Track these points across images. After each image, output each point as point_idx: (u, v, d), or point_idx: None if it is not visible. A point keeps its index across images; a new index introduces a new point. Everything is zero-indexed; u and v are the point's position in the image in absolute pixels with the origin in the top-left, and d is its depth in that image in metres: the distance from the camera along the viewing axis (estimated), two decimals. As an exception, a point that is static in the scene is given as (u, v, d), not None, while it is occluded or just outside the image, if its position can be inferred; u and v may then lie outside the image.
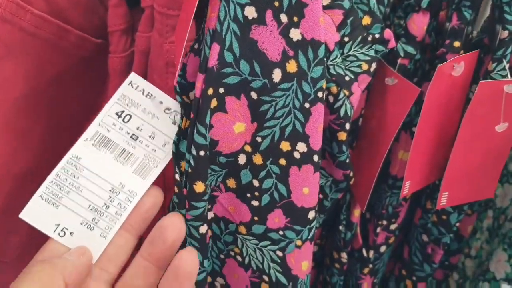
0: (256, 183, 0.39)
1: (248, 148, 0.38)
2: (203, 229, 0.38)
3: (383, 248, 0.53)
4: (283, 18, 0.34)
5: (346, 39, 0.39)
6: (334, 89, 0.40)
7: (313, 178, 0.39)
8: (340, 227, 0.51)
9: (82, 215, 0.36)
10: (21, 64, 0.43)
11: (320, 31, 0.34)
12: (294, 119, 0.37)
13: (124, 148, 0.37)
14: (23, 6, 0.40)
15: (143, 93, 0.37)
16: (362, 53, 0.41)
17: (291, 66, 0.35)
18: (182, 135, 0.37)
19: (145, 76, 0.48)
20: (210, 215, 0.42)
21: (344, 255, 0.52)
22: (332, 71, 0.39)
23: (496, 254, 0.53)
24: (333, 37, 0.38)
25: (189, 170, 0.36)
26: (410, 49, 0.44)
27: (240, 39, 0.34)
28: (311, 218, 0.40)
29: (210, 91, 0.35)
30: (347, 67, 0.40)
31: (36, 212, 0.36)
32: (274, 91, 0.36)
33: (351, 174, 0.44)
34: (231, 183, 0.40)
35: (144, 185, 0.37)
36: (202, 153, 0.35)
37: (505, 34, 0.41)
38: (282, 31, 0.34)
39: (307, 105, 0.36)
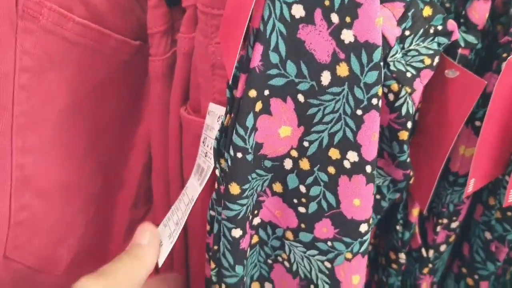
0: (303, 189, 0.37)
1: (294, 153, 0.36)
2: (236, 232, 0.37)
3: (443, 247, 0.50)
4: (334, 18, 0.31)
5: (407, 33, 0.37)
6: (394, 86, 0.37)
7: (366, 190, 0.36)
8: (398, 227, 0.49)
9: (171, 228, 0.39)
10: (64, 74, 0.41)
11: (376, 33, 0.32)
12: (344, 126, 0.35)
13: (202, 167, 0.40)
14: (65, 15, 0.38)
15: (209, 114, 0.41)
16: (424, 46, 0.38)
17: (342, 70, 0.33)
18: (224, 131, 0.36)
19: (188, 79, 0.46)
20: (257, 220, 0.40)
21: (402, 256, 0.50)
22: (392, 67, 0.37)
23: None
24: (393, 31, 0.35)
25: (226, 169, 0.35)
26: (471, 39, 0.41)
27: (286, 39, 0.32)
28: (363, 231, 0.38)
29: (253, 93, 0.33)
30: (408, 63, 0.38)
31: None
32: (322, 94, 0.34)
33: (411, 173, 0.42)
34: (278, 187, 0.38)
35: (199, 190, 0.40)
36: (239, 155, 0.34)
37: None
38: (333, 32, 0.32)
39: (359, 112, 0.34)
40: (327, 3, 0.31)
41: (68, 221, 0.48)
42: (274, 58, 0.33)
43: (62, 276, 0.49)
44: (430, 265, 0.51)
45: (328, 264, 0.39)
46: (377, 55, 0.32)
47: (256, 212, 0.40)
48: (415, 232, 0.49)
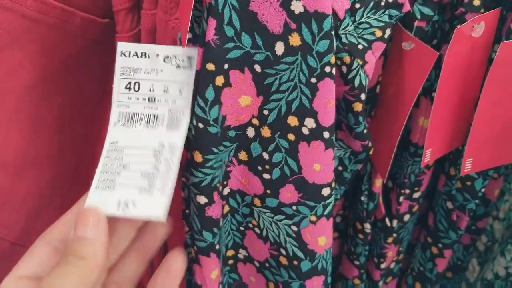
0: (266, 156, 0.39)
1: (255, 122, 0.38)
2: (200, 199, 0.38)
3: (406, 217, 0.52)
4: None
5: (357, 5, 0.37)
6: (347, 59, 0.38)
7: (325, 155, 0.38)
8: (362, 198, 0.50)
9: (138, 184, 0.37)
10: (28, 51, 0.42)
11: (325, 2, 0.33)
12: (300, 94, 0.36)
13: (148, 114, 0.38)
14: (24, -8, 0.39)
15: (138, 56, 0.38)
16: (375, 19, 0.39)
17: (294, 40, 0.34)
18: None
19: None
20: (226, 190, 0.42)
21: (367, 226, 0.51)
22: (344, 40, 0.38)
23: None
24: (343, 4, 0.36)
25: (191, 137, 0.37)
26: (427, 11, 0.42)
27: (239, 12, 0.33)
28: (325, 194, 0.39)
29: (211, 67, 0.34)
30: (360, 35, 0.39)
31: (97, 201, 0.36)
32: (277, 64, 0.35)
33: (370, 144, 0.43)
34: (243, 156, 0.40)
35: (180, 135, 0.38)
36: (201, 125, 0.36)
37: (528, -12, 0.38)
38: (283, 3, 0.33)
39: (313, 80, 0.35)
40: None
41: (41, 195, 0.49)
42: (229, 31, 0.34)
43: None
44: (395, 235, 0.52)
45: (294, 228, 0.41)
46: (327, 24, 0.33)
47: (225, 182, 0.41)
48: (379, 202, 0.51)
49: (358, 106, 0.40)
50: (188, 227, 0.42)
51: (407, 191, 0.50)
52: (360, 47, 0.38)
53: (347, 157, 0.45)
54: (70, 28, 0.45)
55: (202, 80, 0.35)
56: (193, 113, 0.36)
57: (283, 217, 0.41)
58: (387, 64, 0.45)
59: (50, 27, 0.43)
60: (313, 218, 0.40)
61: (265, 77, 0.36)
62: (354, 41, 0.38)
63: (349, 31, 0.38)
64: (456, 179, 0.49)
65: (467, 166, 0.44)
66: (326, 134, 0.37)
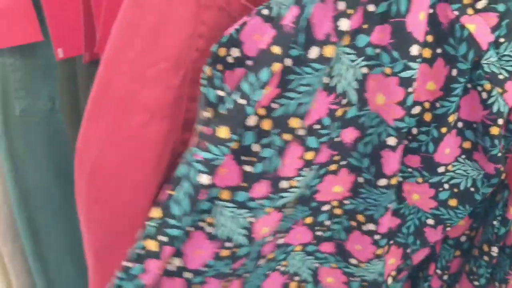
0: (256, 148, 0.39)
1: (261, 111, 0.38)
2: (204, 179, 0.38)
3: (537, 250, 0.53)
4: (341, 5, 0.36)
5: (501, 40, 0.42)
6: (487, 86, 0.42)
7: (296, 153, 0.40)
8: (494, 222, 0.52)
9: None
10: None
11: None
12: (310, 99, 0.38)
13: None
14: (234, -4, 0.51)
15: None
16: (518, 53, 0.42)
17: (329, 51, 0.37)
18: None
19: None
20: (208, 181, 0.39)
21: (494, 249, 0.53)
22: (486, 69, 0.42)
23: None
24: (486, 37, 0.41)
25: (224, 112, 0.38)
26: None
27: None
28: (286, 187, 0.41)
29: (276, 50, 0.36)
30: (502, 66, 0.42)
31: None
32: (306, 66, 0.37)
33: (502, 168, 0.46)
34: (235, 144, 0.39)
35: None
36: (243, 101, 0.37)
37: None
38: (335, 17, 0.36)
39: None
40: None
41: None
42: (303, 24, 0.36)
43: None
44: (522, 264, 0.53)
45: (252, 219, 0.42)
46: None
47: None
48: (511, 229, 0.52)
49: (495, 130, 0.44)
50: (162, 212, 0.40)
51: (542, 224, 0.51)
52: (500, 76, 0.42)
53: (480, 179, 0.48)
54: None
55: (262, 60, 0.36)
56: (238, 87, 0.37)
57: (245, 211, 0.41)
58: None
59: None
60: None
61: (289, 73, 0.37)
62: (496, 70, 0.42)
63: (492, 62, 0.42)
64: None
65: None
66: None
